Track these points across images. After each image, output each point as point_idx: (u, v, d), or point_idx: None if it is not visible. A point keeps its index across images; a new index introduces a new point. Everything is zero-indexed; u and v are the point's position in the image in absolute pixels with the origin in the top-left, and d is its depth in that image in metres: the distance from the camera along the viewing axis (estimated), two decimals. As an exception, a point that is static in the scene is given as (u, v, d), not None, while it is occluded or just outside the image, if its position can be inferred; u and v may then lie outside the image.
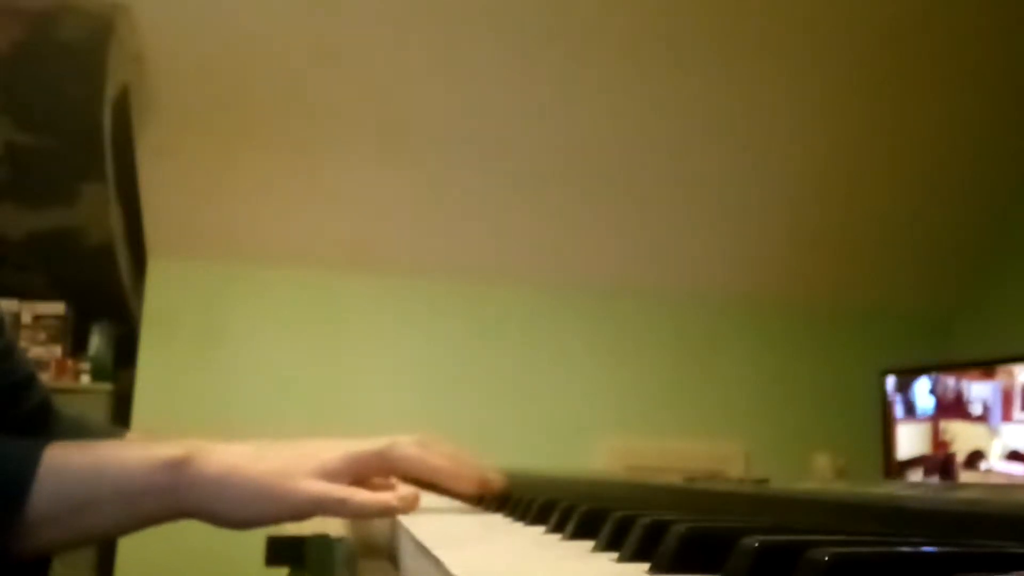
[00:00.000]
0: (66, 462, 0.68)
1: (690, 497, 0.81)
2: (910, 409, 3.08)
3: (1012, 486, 2.58)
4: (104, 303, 3.52)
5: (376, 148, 3.24)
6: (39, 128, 3.14)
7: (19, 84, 2.90)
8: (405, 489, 0.78)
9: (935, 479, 2.98)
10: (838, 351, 3.65)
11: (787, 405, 3.58)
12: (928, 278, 3.66)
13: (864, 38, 3.07)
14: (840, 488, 0.70)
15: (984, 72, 3.19)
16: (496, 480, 0.86)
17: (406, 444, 0.79)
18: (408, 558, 0.68)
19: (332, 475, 0.72)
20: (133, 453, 0.71)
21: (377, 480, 0.79)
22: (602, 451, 3.39)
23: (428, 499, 1.03)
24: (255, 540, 1.34)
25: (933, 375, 3.07)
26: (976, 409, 2.92)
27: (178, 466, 0.69)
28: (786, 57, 3.10)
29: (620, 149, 3.29)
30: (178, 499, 0.69)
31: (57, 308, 3.50)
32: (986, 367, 2.95)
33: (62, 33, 2.78)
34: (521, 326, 3.57)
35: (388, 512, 0.73)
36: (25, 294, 3.44)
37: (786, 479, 0.94)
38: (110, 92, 3.02)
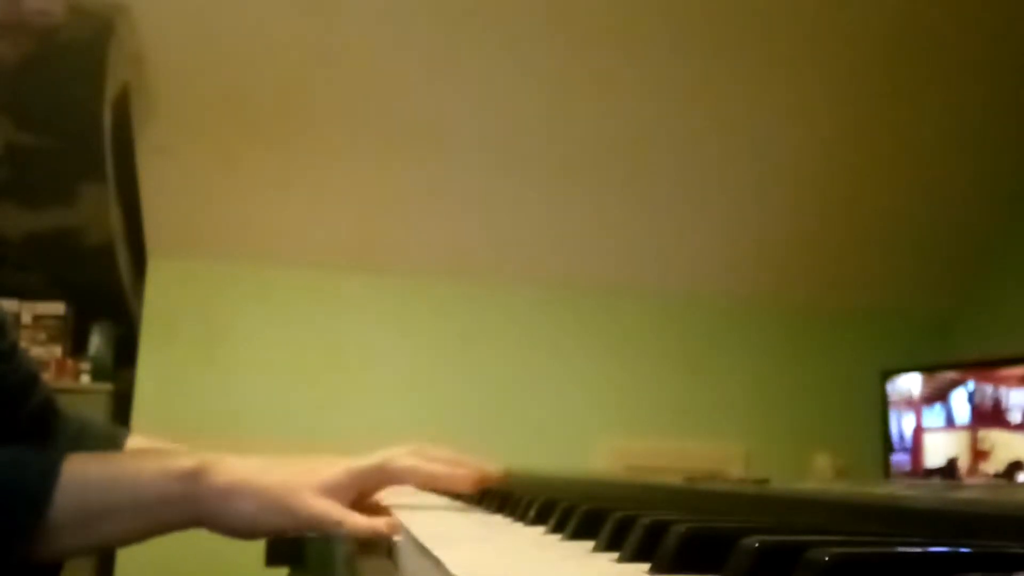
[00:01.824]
0: (85, 473, 0.72)
1: (690, 497, 0.81)
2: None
3: (1012, 486, 2.57)
4: (104, 303, 3.52)
5: (376, 148, 3.24)
6: (39, 128, 3.14)
7: (19, 84, 2.90)
8: (393, 510, 0.82)
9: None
10: (838, 351, 3.65)
11: (787, 405, 3.57)
12: (928, 278, 3.65)
13: (865, 37, 3.07)
14: (840, 488, 0.70)
15: (984, 72, 3.19)
16: (493, 472, 0.90)
17: (402, 456, 0.84)
18: (408, 557, 0.68)
19: (335, 490, 0.78)
20: (148, 465, 0.75)
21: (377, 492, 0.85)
22: (602, 451, 3.39)
23: (428, 498, 1.03)
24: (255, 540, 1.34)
25: (954, 377, 3.04)
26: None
27: (191, 478, 0.74)
28: (788, 58, 3.10)
29: (620, 149, 3.29)
30: (190, 509, 0.74)
31: (57, 308, 3.51)
32: (989, 367, 2.95)
33: (62, 33, 2.78)
34: (521, 326, 3.57)
35: (378, 537, 0.78)
36: (25, 294, 3.45)
37: (786, 479, 0.94)
38: (110, 92, 3.02)
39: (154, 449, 0.95)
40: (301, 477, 0.77)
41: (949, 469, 2.96)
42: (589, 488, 1.06)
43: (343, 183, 3.30)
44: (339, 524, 0.76)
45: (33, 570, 0.72)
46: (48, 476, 0.70)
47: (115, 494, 0.72)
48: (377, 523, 0.77)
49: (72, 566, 0.76)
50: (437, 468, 0.86)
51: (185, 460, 0.74)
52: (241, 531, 0.75)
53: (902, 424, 3.16)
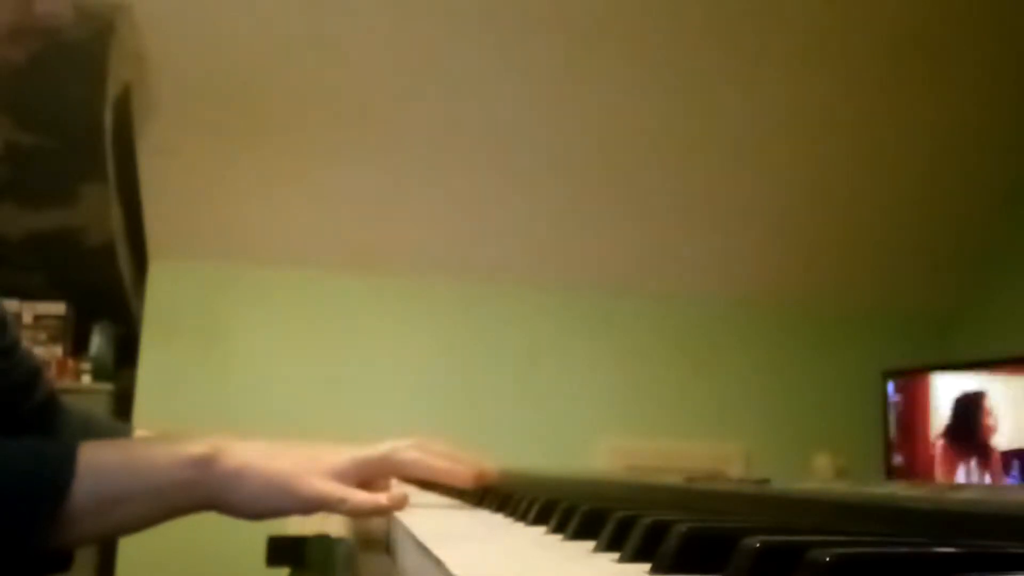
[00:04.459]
0: (99, 460, 0.74)
1: (691, 497, 0.81)
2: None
3: (1012, 486, 2.57)
4: (105, 303, 3.52)
5: (376, 148, 3.24)
6: (40, 128, 3.14)
7: (20, 84, 2.89)
8: (397, 489, 0.86)
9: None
10: (839, 351, 3.65)
11: (788, 405, 3.57)
12: (929, 279, 3.65)
13: (864, 38, 3.07)
14: (841, 488, 0.70)
15: (983, 72, 3.19)
16: (491, 472, 0.93)
17: (405, 448, 0.88)
18: (408, 556, 0.68)
19: (340, 477, 0.80)
20: (162, 451, 0.77)
21: (379, 482, 0.87)
22: (602, 451, 3.39)
23: (429, 497, 1.03)
24: (256, 540, 1.34)
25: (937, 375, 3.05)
26: None
27: (203, 463, 0.76)
28: (787, 58, 3.10)
29: (621, 149, 3.29)
30: (202, 493, 0.76)
31: (58, 308, 3.50)
32: (987, 367, 2.95)
33: (63, 33, 2.78)
34: (521, 326, 3.57)
35: (380, 511, 0.81)
36: (26, 294, 3.44)
37: (787, 479, 0.94)
38: (111, 92, 3.02)
39: (164, 435, 0.97)
40: (307, 463, 0.80)
41: (983, 451, 2.94)
42: (590, 488, 1.06)
43: (344, 183, 3.30)
44: (343, 501, 0.78)
45: (46, 557, 0.73)
46: (66, 465, 0.72)
47: (130, 480, 0.74)
48: (379, 498, 0.80)
49: (74, 566, 0.77)
50: (439, 462, 0.89)
51: (196, 445, 0.77)
52: (248, 513, 0.78)
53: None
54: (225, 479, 0.76)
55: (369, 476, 0.84)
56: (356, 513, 0.82)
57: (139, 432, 1.11)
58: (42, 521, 0.70)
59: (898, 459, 3.18)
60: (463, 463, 0.91)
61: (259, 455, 0.78)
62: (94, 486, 0.72)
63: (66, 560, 0.76)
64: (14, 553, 0.70)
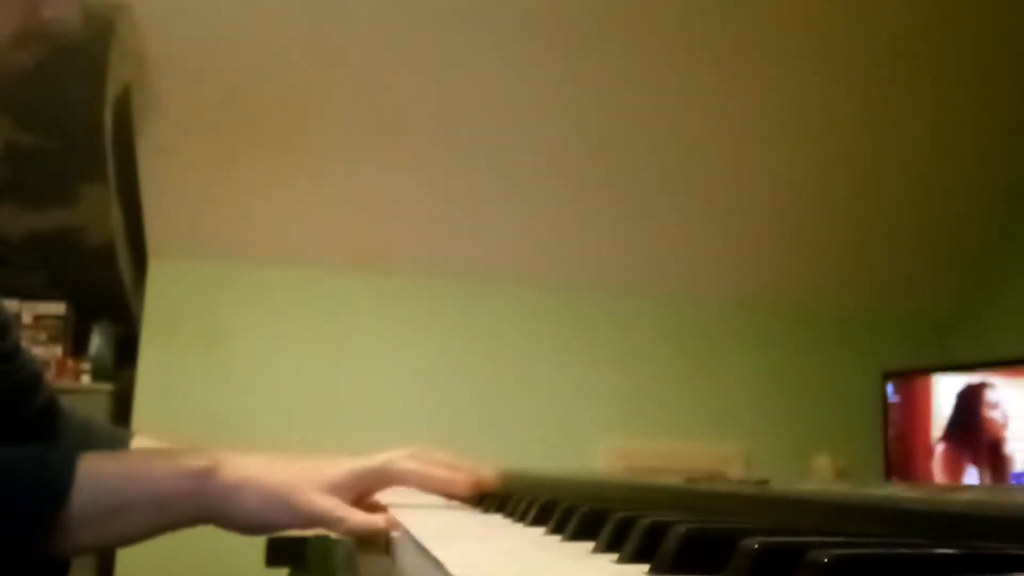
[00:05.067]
0: (99, 470, 0.75)
1: (690, 498, 0.81)
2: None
3: (1012, 487, 2.57)
4: (105, 303, 3.52)
5: (376, 148, 3.24)
6: (40, 128, 3.14)
7: (20, 84, 2.89)
8: (394, 498, 0.86)
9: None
10: (838, 352, 3.65)
11: (787, 406, 3.57)
12: (928, 280, 3.65)
13: (863, 38, 3.07)
14: (841, 489, 0.70)
15: (982, 74, 3.19)
16: (489, 478, 0.93)
17: (403, 458, 0.88)
18: (408, 557, 0.68)
19: (338, 489, 0.81)
20: (161, 463, 0.78)
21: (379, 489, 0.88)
22: (602, 451, 3.39)
23: (429, 498, 1.03)
24: (255, 541, 1.34)
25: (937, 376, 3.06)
26: None
27: (202, 476, 0.76)
28: (787, 59, 3.10)
29: (621, 149, 3.29)
30: (200, 506, 0.77)
31: (58, 308, 3.50)
32: (987, 368, 2.95)
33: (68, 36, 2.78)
34: (521, 326, 3.57)
35: (378, 534, 0.81)
36: (25, 294, 3.44)
37: (786, 480, 0.94)
38: (111, 92, 3.02)
39: (164, 448, 0.98)
40: (305, 476, 0.80)
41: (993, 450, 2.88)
42: (589, 488, 1.06)
43: (344, 183, 3.30)
44: (340, 520, 0.79)
45: (45, 566, 0.74)
46: (65, 473, 0.72)
47: (129, 491, 0.75)
48: (376, 519, 0.81)
49: (73, 568, 0.77)
50: (436, 472, 0.89)
51: (196, 458, 0.77)
52: (247, 527, 0.78)
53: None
54: (224, 492, 0.76)
55: (367, 488, 0.85)
56: (353, 534, 0.82)
57: (138, 439, 1.10)
58: (40, 527, 0.70)
59: (897, 460, 3.19)
60: (461, 471, 0.91)
61: (258, 469, 0.78)
62: (92, 495, 0.72)
63: (62, 569, 0.76)
64: (12, 557, 0.70)
